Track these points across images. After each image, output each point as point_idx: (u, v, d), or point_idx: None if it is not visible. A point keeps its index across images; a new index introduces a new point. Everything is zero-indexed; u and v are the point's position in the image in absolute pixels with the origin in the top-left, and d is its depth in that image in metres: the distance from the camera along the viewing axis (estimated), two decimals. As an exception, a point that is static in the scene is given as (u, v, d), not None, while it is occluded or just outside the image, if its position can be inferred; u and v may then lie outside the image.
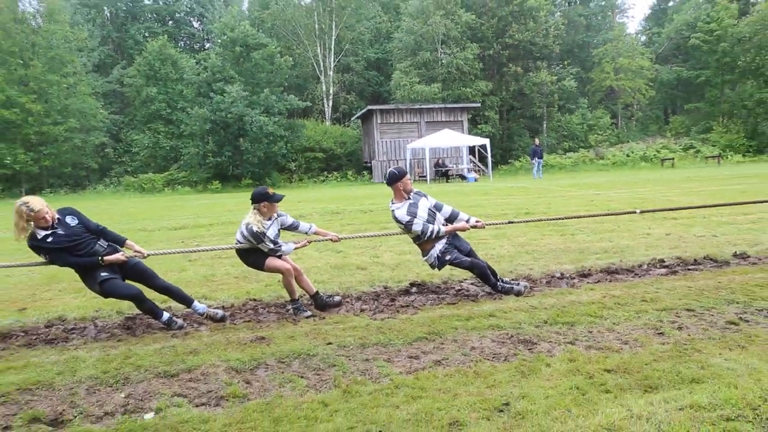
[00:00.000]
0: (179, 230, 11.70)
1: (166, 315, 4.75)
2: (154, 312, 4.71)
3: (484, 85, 35.69)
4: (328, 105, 38.94)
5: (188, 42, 48.47)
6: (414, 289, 5.75)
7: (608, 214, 9.56)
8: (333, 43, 38.27)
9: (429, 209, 5.43)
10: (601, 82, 40.14)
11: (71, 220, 4.55)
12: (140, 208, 19.21)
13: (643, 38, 49.45)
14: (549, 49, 37.62)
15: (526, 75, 36.94)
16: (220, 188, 28.61)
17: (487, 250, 7.39)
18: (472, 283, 5.91)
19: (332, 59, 38.63)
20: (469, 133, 31.81)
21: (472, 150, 31.60)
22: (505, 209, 12.38)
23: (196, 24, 48.44)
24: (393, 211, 5.39)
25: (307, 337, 4.39)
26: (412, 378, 3.51)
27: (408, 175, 5.53)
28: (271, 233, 4.98)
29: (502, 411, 3.00)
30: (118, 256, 4.64)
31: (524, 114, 38.51)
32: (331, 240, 5.46)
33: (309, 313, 5.02)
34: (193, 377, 3.69)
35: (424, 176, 28.91)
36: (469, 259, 5.45)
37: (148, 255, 4.83)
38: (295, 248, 5.21)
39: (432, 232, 5.30)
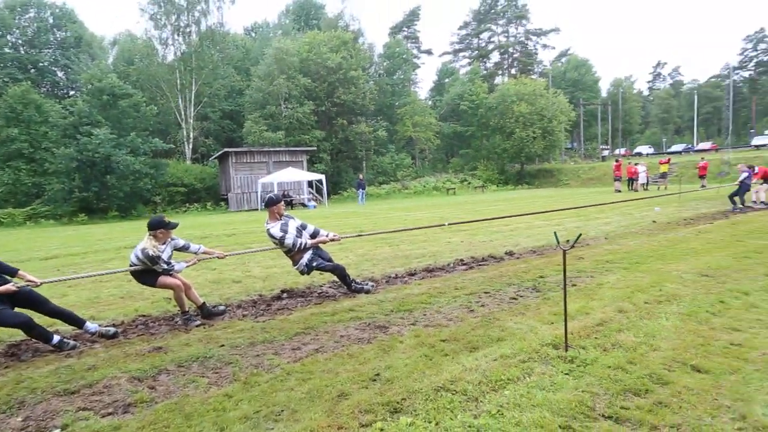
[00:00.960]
0: (51, 260, 9.89)
1: (56, 338, 4.00)
2: (44, 336, 3.94)
3: (318, 134, 35.92)
4: (188, 147, 36.09)
5: (51, 89, 41.57)
6: (285, 295, 5.57)
7: (429, 227, 10.11)
8: (193, 96, 35.78)
9: (297, 228, 5.34)
10: (404, 133, 42.87)
11: None
12: (2, 241, 15.88)
13: (430, 102, 53.91)
14: (366, 107, 39.20)
15: (350, 126, 38.03)
16: (86, 220, 24.71)
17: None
18: (330, 287, 5.90)
19: (192, 110, 36.04)
20: (308, 170, 31.75)
21: (310, 183, 31.57)
22: (344, 229, 12.57)
23: (60, 73, 41.84)
24: (268, 229, 5.20)
25: (201, 342, 4.02)
26: (299, 365, 3.40)
27: (282, 202, 5.37)
28: (165, 255, 4.48)
29: (375, 380, 3.05)
30: (8, 287, 3.82)
31: (349, 156, 39.55)
32: (218, 257, 5.09)
33: (198, 322, 4.59)
34: (95, 391, 3.17)
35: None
36: (331, 263, 5.46)
37: (41, 283, 4.05)
38: (186, 266, 4.74)
39: (301, 244, 5.22)
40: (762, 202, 13.24)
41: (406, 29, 60.51)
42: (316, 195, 31.48)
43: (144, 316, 4.96)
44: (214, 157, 33.44)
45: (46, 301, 4.12)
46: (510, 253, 7.65)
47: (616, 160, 28.24)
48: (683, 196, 15.94)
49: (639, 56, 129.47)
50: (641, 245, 7.70)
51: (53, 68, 41.45)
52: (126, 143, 25.16)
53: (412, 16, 60.61)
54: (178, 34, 36.11)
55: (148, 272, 4.50)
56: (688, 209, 12.97)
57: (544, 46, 68.42)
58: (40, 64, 40.43)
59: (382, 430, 2.44)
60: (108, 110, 26.41)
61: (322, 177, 28.72)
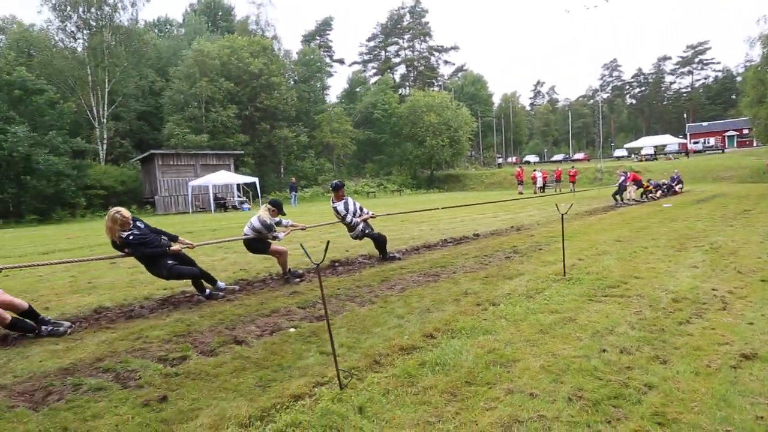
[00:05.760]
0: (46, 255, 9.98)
1: (208, 291, 5.27)
2: (201, 288, 5.21)
3: (242, 137, 36.11)
4: (102, 148, 34.06)
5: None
6: (337, 264, 7.11)
7: (432, 209, 11.96)
8: (106, 95, 33.91)
9: (354, 206, 7.05)
10: (322, 139, 44.40)
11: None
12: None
13: (339, 110, 55.81)
14: (288, 113, 40.07)
15: (272, 131, 38.66)
16: (0, 224, 22.70)
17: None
18: (363, 259, 7.53)
19: (106, 109, 34.11)
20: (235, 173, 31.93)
21: (238, 186, 31.74)
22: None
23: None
24: (335, 206, 6.86)
25: (326, 288, 5.52)
26: (407, 293, 5.12)
27: (344, 187, 7.02)
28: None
29: (466, 294, 4.91)
30: (185, 245, 5.23)
31: (273, 160, 40.12)
32: (301, 229, 6.54)
33: (298, 279, 5.98)
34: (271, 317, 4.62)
35: (203, 208, 28.35)
36: (376, 232, 7.19)
37: (195, 246, 5.38)
38: (284, 236, 6.11)
39: (354, 222, 6.91)
40: (633, 200, 17.21)
41: (318, 38, 62.05)
42: (246, 198, 31.77)
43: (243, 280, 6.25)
44: (136, 159, 32.21)
45: (193, 262, 5.34)
46: (477, 235, 9.86)
47: (519, 167, 32.59)
48: (576, 194, 19.71)
49: (522, 75, 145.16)
50: (567, 227, 10.34)
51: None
52: (45, 142, 23.60)
53: (325, 26, 62.38)
54: (87, 28, 34.02)
55: (260, 241, 5.86)
56: (584, 206, 16.42)
57: (446, 62, 74.29)
58: None
59: (499, 309, 4.32)
60: (21, 106, 24.48)
61: (256, 180, 29.22)
